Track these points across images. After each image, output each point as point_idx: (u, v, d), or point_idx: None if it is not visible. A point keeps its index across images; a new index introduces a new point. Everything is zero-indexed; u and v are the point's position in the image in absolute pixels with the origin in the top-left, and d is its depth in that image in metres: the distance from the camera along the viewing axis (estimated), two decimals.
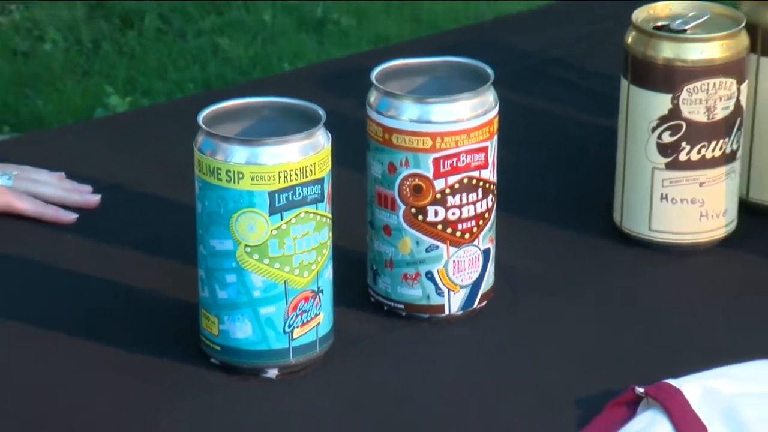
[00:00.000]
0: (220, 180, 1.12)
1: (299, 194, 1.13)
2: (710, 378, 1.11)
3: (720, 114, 1.29)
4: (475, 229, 1.22)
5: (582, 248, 1.35)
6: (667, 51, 1.28)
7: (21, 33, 3.89)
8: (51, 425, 1.10)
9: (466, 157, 1.20)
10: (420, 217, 1.21)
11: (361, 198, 1.24)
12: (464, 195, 1.21)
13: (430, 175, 1.19)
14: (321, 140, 1.14)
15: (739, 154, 1.33)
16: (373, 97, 1.21)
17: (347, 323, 1.21)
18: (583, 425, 1.09)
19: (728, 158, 1.31)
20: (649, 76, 1.29)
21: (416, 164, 1.19)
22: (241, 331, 1.15)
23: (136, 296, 1.26)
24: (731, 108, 1.30)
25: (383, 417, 1.13)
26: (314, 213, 1.14)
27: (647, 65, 1.29)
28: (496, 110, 1.21)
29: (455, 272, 1.22)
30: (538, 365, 1.20)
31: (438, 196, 1.20)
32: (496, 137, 1.22)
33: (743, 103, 1.31)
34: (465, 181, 1.20)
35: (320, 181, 1.14)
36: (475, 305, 1.24)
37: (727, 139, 1.30)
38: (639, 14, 1.32)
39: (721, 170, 1.31)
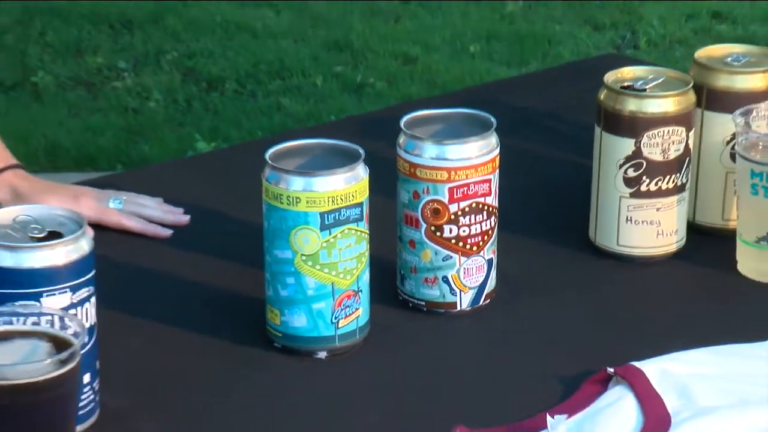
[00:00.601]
0: (282, 203, 1.11)
1: (344, 215, 1.12)
2: (665, 361, 1.10)
3: (673, 155, 1.27)
4: (481, 243, 1.20)
5: (564, 258, 1.33)
6: (632, 105, 1.27)
7: (132, 94, 3.89)
8: (159, 395, 1.09)
9: (474, 187, 1.19)
10: (438, 234, 1.19)
11: (391, 218, 1.22)
12: (473, 216, 1.19)
13: (446, 200, 1.18)
14: (360, 173, 1.13)
15: (687, 185, 1.31)
16: (401, 139, 1.20)
17: (381, 316, 1.20)
18: (566, 398, 1.07)
19: (679, 189, 1.29)
20: (617, 125, 1.28)
21: (435, 192, 1.18)
22: (298, 321, 1.14)
23: (216, 294, 1.25)
24: (681, 150, 1.28)
25: (408, 387, 1.12)
26: (355, 229, 1.13)
27: (616, 116, 1.28)
28: (497, 150, 1.20)
29: (465, 277, 1.21)
30: (529, 350, 1.18)
31: (452, 217, 1.18)
32: (497, 171, 1.20)
33: (691, 146, 1.29)
34: (473, 205, 1.19)
35: (360, 204, 1.13)
36: (481, 303, 1.23)
37: (678, 174, 1.28)
38: (609, 77, 1.30)
39: (674, 198, 1.29)
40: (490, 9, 4.74)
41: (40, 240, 1.00)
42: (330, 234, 1.11)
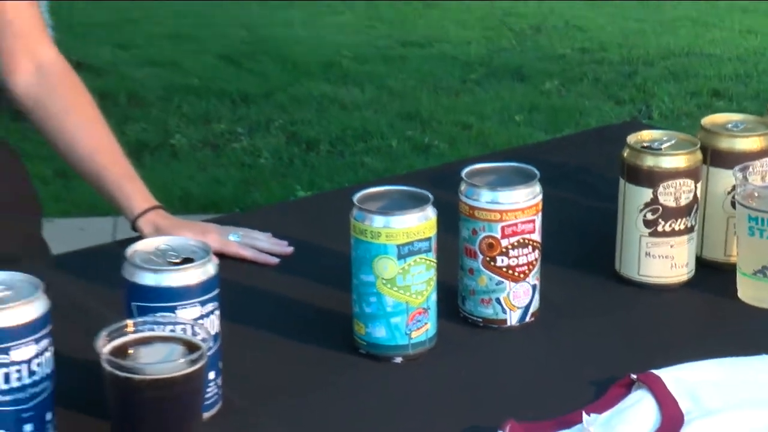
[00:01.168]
0: (366, 237, 1.10)
1: (416, 247, 1.10)
2: (679, 370, 1.07)
3: (684, 201, 1.25)
4: (527, 271, 1.18)
5: (594, 285, 1.30)
6: (650, 161, 1.24)
7: (247, 153, 3.93)
8: (268, 392, 1.09)
9: (521, 226, 1.17)
10: (492, 263, 1.17)
11: (454, 250, 1.20)
12: (520, 250, 1.17)
13: (499, 236, 1.16)
14: (430, 213, 1.12)
15: (696, 227, 1.28)
16: (462, 187, 1.18)
17: (445, 329, 1.17)
18: (597, 398, 1.05)
19: (689, 230, 1.26)
20: (638, 177, 1.25)
21: (490, 230, 1.16)
22: (379, 332, 1.12)
23: (313, 310, 1.24)
24: (691, 198, 1.25)
25: (468, 387, 1.10)
26: (425, 259, 1.11)
27: (636, 170, 1.25)
28: (540, 196, 1.18)
29: (514, 299, 1.19)
30: (566, 360, 1.16)
31: (504, 250, 1.17)
32: (540, 213, 1.18)
33: (698, 194, 1.27)
34: (521, 240, 1.17)
35: (429, 238, 1.12)
36: (527, 320, 1.20)
37: (688, 218, 1.26)
38: (631, 138, 1.28)
39: (685, 237, 1.26)
40: (532, 87, 4.73)
41: (176, 264, 1.00)
42: (405, 262, 1.10)
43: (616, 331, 1.22)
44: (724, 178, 1.29)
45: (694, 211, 1.27)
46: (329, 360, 1.14)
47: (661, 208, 1.25)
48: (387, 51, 5.14)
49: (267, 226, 1.41)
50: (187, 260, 1.00)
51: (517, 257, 1.17)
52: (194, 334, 0.93)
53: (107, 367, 0.88)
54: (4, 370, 0.90)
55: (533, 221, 1.18)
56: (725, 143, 1.30)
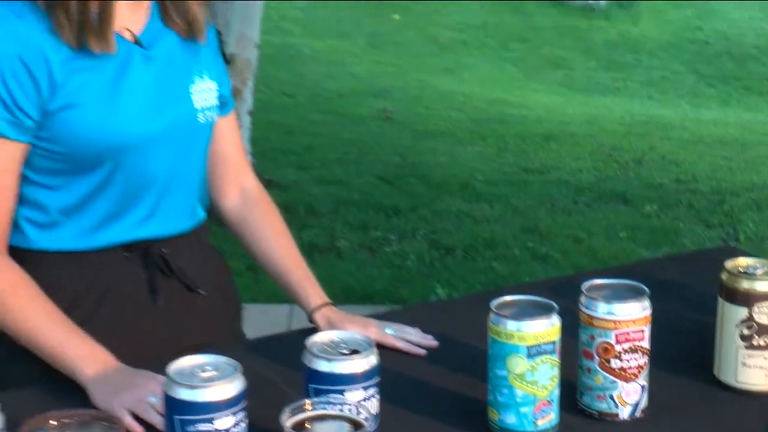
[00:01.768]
0: (501, 338, 1.08)
1: (542, 348, 1.08)
2: None
3: None
4: (637, 373, 1.13)
5: (696, 388, 1.23)
6: (746, 284, 1.18)
7: (397, 256, 3.94)
8: None
9: (633, 334, 1.13)
10: (607, 365, 1.13)
11: (574, 351, 1.16)
12: (632, 354, 1.13)
13: (613, 342, 1.12)
14: (555, 320, 1.09)
15: None
16: (582, 299, 1.15)
17: (566, 419, 1.13)
18: None
19: None
20: (735, 297, 1.19)
21: (605, 336, 1.12)
22: (509, 419, 1.09)
23: (454, 396, 1.21)
24: None
25: None
26: (550, 359, 1.08)
27: (734, 291, 1.19)
28: (649, 309, 1.14)
29: (626, 396, 1.14)
30: None
31: (617, 354, 1.12)
32: (649, 324, 1.14)
33: None
34: (632, 347, 1.12)
35: (554, 342, 1.09)
36: (636, 415, 1.15)
37: None
38: (728, 263, 1.22)
39: None
40: (634, 209, 4.63)
41: (346, 355, 1.00)
42: (533, 361, 1.07)
43: (715, 428, 1.15)
44: None
45: None
46: None
47: (756, 325, 1.18)
48: (512, 176, 5.13)
49: (416, 322, 1.40)
50: (354, 351, 1.00)
51: (628, 360, 1.13)
52: (359, 413, 0.92)
53: None
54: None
55: (643, 330, 1.13)
56: None
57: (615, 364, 1.13)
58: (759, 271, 1.20)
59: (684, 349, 1.34)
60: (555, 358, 1.09)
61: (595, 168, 5.36)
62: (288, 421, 0.89)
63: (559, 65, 8.89)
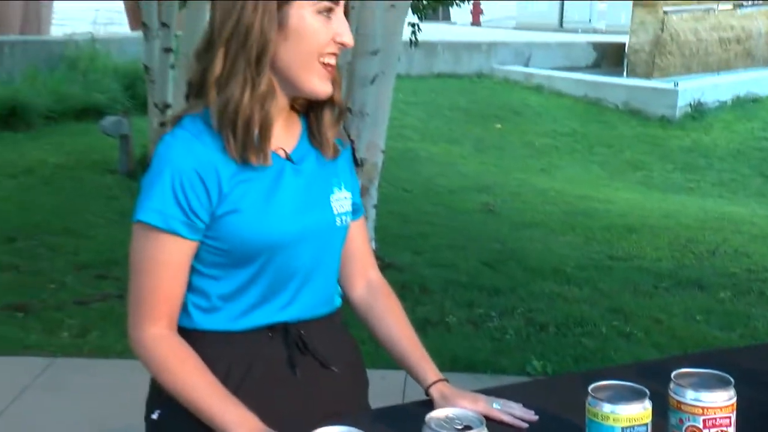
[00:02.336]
0: (597, 419, 1.03)
1: (636, 430, 1.02)
2: None
3: None
4: None
5: None
6: None
7: (497, 330, 3.84)
8: None
9: (719, 420, 1.05)
10: None
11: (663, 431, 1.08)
12: None
13: (701, 426, 1.05)
14: (647, 404, 1.03)
15: None
16: (672, 386, 1.08)
17: None
18: None
19: None
20: None
21: (693, 421, 1.05)
22: None
23: None
24: None
25: None
26: None
27: None
28: (735, 398, 1.06)
29: None
30: None
31: None
32: (735, 410, 1.05)
33: None
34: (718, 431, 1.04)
35: (646, 424, 1.03)
36: None
37: None
38: None
39: None
40: (710, 295, 4.38)
41: (460, 430, 0.96)
42: None
43: None
44: None
45: None
46: None
47: None
48: (599, 262, 4.97)
49: (518, 398, 1.33)
50: (467, 427, 0.96)
51: None
52: None
53: None
54: None
55: (729, 417, 1.05)
56: None
57: None
58: None
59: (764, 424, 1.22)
60: None
61: (673, 257, 5.14)
62: None
63: (639, 167, 8.68)
